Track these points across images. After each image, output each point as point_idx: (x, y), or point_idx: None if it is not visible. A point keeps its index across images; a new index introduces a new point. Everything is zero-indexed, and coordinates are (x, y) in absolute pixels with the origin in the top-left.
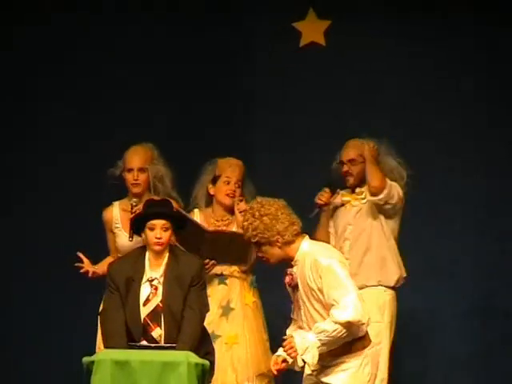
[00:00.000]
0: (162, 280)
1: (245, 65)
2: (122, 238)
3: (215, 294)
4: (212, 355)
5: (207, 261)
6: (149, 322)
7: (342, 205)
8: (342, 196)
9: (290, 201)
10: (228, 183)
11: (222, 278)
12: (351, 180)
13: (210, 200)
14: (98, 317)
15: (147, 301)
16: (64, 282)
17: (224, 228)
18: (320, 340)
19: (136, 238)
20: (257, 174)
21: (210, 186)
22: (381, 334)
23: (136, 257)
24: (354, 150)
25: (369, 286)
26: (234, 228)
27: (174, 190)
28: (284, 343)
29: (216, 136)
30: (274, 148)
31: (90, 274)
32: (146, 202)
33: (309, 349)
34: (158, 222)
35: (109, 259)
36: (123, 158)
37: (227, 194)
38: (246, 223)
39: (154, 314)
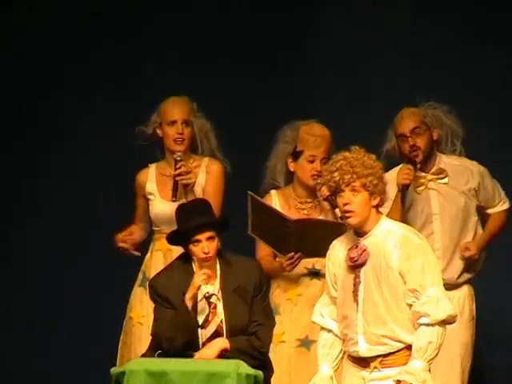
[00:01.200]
0: (220, 295)
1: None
2: (159, 206)
3: (306, 291)
4: (270, 370)
5: (291, 254)
6: None
7: (405, 186)
8: (419, 177)
9: None
10: (312, 161)
11: (314, 272)
12: (420, 155)
13: (290, 176)
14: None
15: (206, 322)
16: None
17: (307, 212)
18: (430, 359)
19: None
20: None
21: (290, 160)
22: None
23: (182, 269)
24: (413, 118)
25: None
26: (321, 215)
27: (220, 149)
28: None
29: (275, 97)
30: (338, 102)
31: (118, 244)
32: (178, 209)
33: (424, 378)
34: (203, 236)
35: (133, 228)
36: (159, 111)
37: (312, 176)
38: (351, 159)
39: (216, 337)
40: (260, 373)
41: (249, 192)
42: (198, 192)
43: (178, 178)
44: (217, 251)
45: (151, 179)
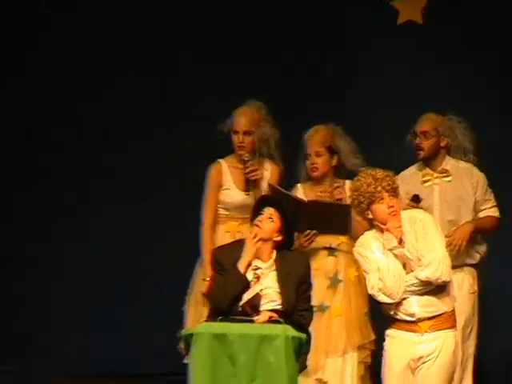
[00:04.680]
0: (266, 272)
1: (342, 43)
2: (234, 195)
3: (324, 265)
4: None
5: (307, 231)
6: (248, 310)
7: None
8: (422, 176)
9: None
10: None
11: (331, 249)
12: (422, 154)
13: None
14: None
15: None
16: None
17: (326, 197)
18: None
19: (253, 193)
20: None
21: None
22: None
23: (242, 245)
24: (428, 122)
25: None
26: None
27: (278, 151)
28: None
29: (314, 108)
30: (368, 122)
31: None
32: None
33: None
34: (266, 211)
35: (208, 233)
36: (231, 118)
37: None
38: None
39: (253, 302)
40: (304, 335)
41: (268, 182)
42: (264, 187)
43: (248, 176)
44: (276, 243)
45: (225, 172)
